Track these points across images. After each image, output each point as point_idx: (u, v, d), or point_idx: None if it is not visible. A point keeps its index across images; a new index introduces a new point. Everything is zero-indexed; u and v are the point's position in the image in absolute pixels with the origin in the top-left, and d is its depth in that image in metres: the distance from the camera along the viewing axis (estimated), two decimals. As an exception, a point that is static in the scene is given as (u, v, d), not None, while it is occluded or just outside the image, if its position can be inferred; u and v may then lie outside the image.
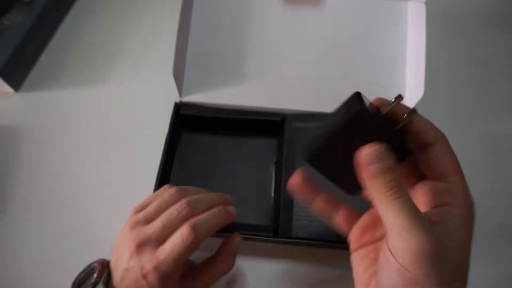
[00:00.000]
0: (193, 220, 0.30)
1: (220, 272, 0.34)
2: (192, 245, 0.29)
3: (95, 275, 0.31)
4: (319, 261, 0.38)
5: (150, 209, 0.32)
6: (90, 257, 0.32)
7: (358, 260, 0.27)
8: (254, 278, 0.38)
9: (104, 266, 0.31)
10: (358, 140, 0.22)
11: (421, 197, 0.24)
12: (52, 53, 0.53)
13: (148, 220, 0.31)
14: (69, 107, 0.49)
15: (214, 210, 0.32)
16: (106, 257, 0.32)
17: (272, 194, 0.40)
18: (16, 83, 0.50)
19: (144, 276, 0.29)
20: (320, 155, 0.24)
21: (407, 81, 0.44)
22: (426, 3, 0.42)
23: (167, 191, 0.32)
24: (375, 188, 0.21)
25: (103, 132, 0.46)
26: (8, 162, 0.45)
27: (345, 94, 0.24)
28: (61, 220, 0.40)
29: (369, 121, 0.22)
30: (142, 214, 0.31)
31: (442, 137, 0.24)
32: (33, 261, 0.38)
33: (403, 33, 0.45)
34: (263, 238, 0.36)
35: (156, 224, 0.30)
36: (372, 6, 0.45)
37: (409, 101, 0.42)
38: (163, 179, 0.40)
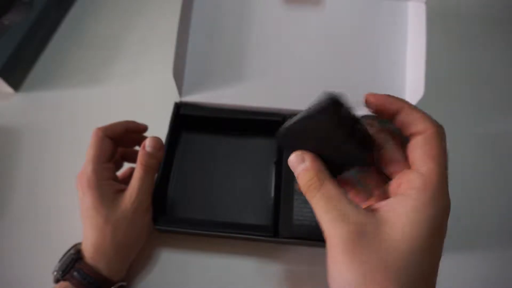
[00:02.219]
0: None
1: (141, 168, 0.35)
2: (98, 137, 0.34)
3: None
4: (319, 261, 0.38)
5: None
6: (90, 257, 0.32)
7: None
8: (254, 278, 0.38)
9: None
10: (322, 135, 0.23)
11: (393, 184, 0.24)
12: (52, 53, 0.53)
13: None
14: (69, 107, 0.49)
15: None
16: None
17: (272, 194, 0.40)
18: (16, 83, 0.50)
19: (82, 194, 0.33)
20: (288, 136, 0.25)
21: (407, 81, 0.44)
22: (426, 3, 0.42)
23: None
24: (301, 188, 0.24)
25: (103, 132, 0.46)
26: (8, 162, 0.45)
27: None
28: (61, 220, 0.40)
29: (329, 121, 0.23)
30: None
31: (429, 128, 0.23)
32: (33, 261, 0.38)
33: (403, 33, 0.45)
34: (263, 238, 0.36)
35: None
36: (372, 6, 0.45)
37: (409, 101, 0.42)
38: (162, 179, 0.40)
